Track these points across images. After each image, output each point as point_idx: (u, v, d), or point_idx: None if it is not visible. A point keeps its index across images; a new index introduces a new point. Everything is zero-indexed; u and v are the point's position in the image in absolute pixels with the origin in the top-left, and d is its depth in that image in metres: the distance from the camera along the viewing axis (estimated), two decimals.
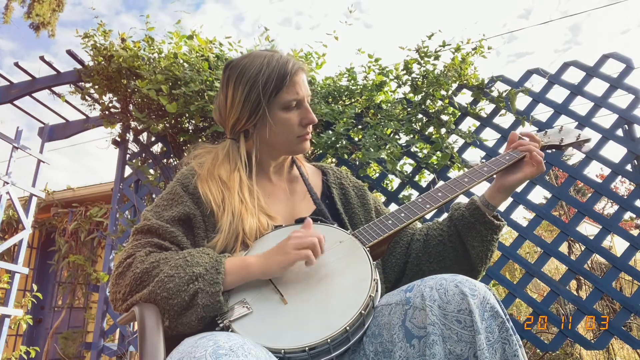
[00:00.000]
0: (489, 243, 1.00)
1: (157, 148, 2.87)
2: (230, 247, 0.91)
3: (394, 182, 2.73)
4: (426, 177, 2.58)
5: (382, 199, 2.48)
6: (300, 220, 0.99)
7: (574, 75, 2.33)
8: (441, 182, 2.39)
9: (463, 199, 1.09)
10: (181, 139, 2.58)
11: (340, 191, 1.14)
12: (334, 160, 2.61)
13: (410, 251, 1.09)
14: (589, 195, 2.15)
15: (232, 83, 1.02)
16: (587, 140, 1.10)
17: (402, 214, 0.98)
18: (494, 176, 1.05)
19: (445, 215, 2.20)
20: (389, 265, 1.08)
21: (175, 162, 2.74)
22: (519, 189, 2.21)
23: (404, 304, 0.77)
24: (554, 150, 1.13)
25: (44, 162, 3.60)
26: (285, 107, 1.01)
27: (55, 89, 3.26)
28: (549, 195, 2.23)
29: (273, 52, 1.04)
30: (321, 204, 1.07)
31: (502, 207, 2.13)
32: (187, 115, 2.49)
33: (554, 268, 4.30)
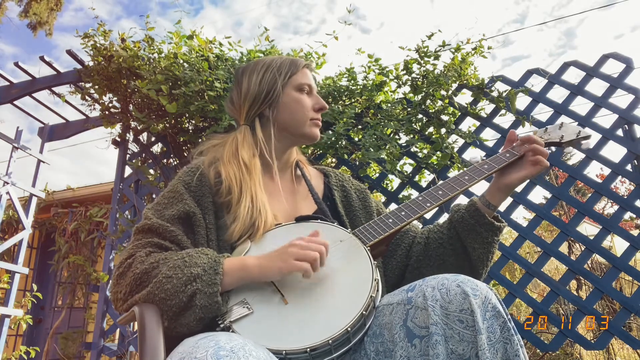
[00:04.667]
0: (489, 245, 1.00)
1: (157, 148, 2.87)
2: (246, 234, 0.92)
3: (394, 182, 2.73)
4: (426, 177, 2.58)
5: (382, 199, 2.48)
6: (300, 219, 0.98)
7: (574, 76, 2.34)
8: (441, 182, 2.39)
9: (463, 198, 1.08)
10: (181, 139, 2.57)
11: (342, 193, 1.14)
12: (333, 160, 2.61)
13: (411, 254, 1.09)
14: (589, 195, 2.15)
15: (246, 74, 1.09)
16: (587, 137, 1.09)
17: (403, 213, 0.98)
18: (494, 175, 1.05)
19: (446, 214, 2.20)
20: (390, 268, 1.08)
21: (175, 162, 2.74)
22: (518, 189, 2.21)
23: (405, 303, 0.77)
24: (553, 148, 1.12)
25: (44, 162, 3.60)
26: (299, 89, 1.07)
27: (55, 89, 3.26)
28: (549, 195, 2.23)
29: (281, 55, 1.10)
30: (322, 204, 1.07)
31: (502, 207, 2.13)
32: (187, 115, 2.49)
33: (554, 268, 4.30)
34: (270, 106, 1.06)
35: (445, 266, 1.04)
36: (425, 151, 2.41)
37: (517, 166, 1.02)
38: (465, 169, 2.35)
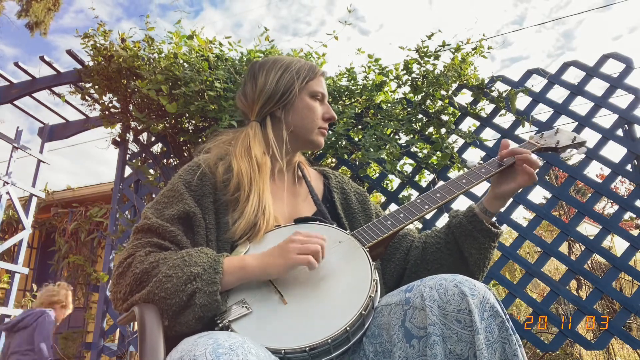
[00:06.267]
0: (486, 250, 1.01)
1: (157, 148, 2.87)
2: (247, 234, 0.93)
3: (394, 182, 2.73)
4: (426, 177, 2.58)
5: (382, 199, 2.48)
6: (299, 220, 0.99)
7: (573, 76, 2.34)
8: (441, 183, 2.39)
9: (461, 201, 1.09)
10: (181, 139, 2.57)
11: (342, 195, 1.15)
12: (333, 160, 2.61)
13: (409, 258, 1.09)
14: (589, 195, 2.15)
15: (263, 70, 1.08)
16: (583, 143, 1.11)
17: (401, 215, 0.98)
18: (491, 181, 1.06)
19: (445, 216, 2.19)
20: (388, 272, 1.08)
21: (175, 162, 2.74)
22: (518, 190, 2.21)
23: (403, 304, 0.77)
24: (550, 152, 1.13)
25: (44, 162, 3.60)
26: (313, 96, 1.08)
27: (55, 89, 3.26)
28: (549, 195, 2.23)
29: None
30: (322, 205, 1.07)
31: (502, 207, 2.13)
32: (187, 115, 2.49)
33: (554, 268, 4.30)
34: (284, 107, 1.05)
35: (443, 270, 1.04)
36: (425, 151, 2.41)
37: (510, 177, 1.03)
38: (465, 169, 2.36)
